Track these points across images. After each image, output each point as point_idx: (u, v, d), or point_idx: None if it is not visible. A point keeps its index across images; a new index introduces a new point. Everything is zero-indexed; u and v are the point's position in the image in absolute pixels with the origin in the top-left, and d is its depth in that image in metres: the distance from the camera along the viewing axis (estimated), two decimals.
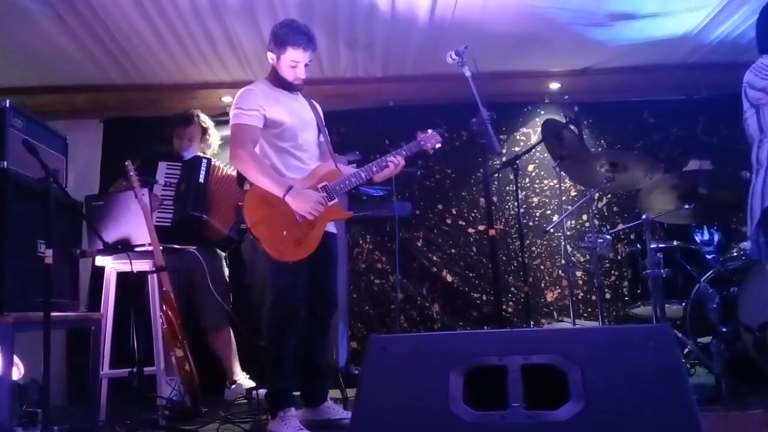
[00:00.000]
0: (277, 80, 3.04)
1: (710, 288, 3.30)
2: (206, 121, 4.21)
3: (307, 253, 2.86)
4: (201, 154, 4.12)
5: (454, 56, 2.95)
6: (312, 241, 2.88)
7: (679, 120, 5.28)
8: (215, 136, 4.25)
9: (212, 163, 4.05)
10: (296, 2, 3.78)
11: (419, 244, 5.15)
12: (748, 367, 3.06)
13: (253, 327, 3.14)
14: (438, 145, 3.27)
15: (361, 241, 5.08)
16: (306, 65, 3.02)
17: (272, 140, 2.97)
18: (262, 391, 3.05)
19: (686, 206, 3.46)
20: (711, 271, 3.44)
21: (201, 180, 3.96)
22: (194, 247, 3.74)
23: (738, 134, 5.25)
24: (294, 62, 2.99)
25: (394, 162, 3.11)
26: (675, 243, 3.69)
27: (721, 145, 5.20)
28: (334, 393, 3.39)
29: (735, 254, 3.59)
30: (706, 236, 4.08)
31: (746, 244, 3.43)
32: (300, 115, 3.07)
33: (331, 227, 3.07)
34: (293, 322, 2.89)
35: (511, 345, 1.54)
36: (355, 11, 3.91)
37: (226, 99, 4.89)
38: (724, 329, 3.12)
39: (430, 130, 3.27)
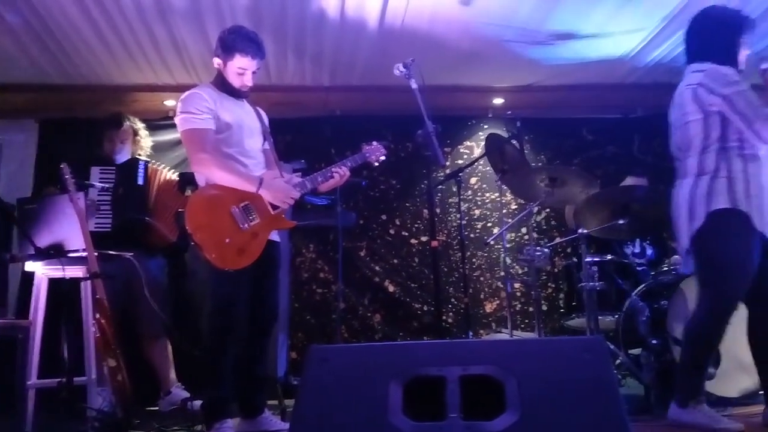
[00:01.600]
0: (223, 85, 3.01)
1: (641, 301, 3.42)
2: (136, 122, 4.12)
3: (249, 261, 2.83)
4: (137, 156, 4.02)
5: (401, 68, 2.97)
6: (255, 250, 2.85)
7: (616, 138, 5.48)
8: (146, 137, 4.16)
9: (150, 165, 3.97)
10: (245, 8, 3.75)
11: (362, 254, 5.16)
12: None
13: (193, 336, 3.08)
14: (382, 158, 3.30)
15: (304, 250, 5.05)
16: (254, 73, 3.00)
17: (217, 145, 2.92)
18: (198, 402, 2.99)
19: (620, 221, 3.58)
20: (642, 285, 3.56)
21: (140, 182, 3.87)
22: (131, 254, 3.64)
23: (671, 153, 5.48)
24: (241, 69, 2.96)
25: (339, 173, 3.12)
26: (609, 257, 3.81)
27: (655, 162, 5.42)
28: (272, 404, 3.36)
29: (666, 268, 3.73)
30: (639, 250, 4.23)
31: (677, 258, 3.53)
32: (245, 122, 3.04)
33: (274, 236, 3.04)
34: (233, 332, 2.85)
35: (451, 356, 1.56)
36: (304, 19, 3.91)
37: (169, 103, 4.80)
38: (653, 341, 3.22)
39: (375, 143, 3.29)
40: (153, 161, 4.09)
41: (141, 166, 3.90)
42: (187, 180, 3.73)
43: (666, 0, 3.79)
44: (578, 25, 4.10)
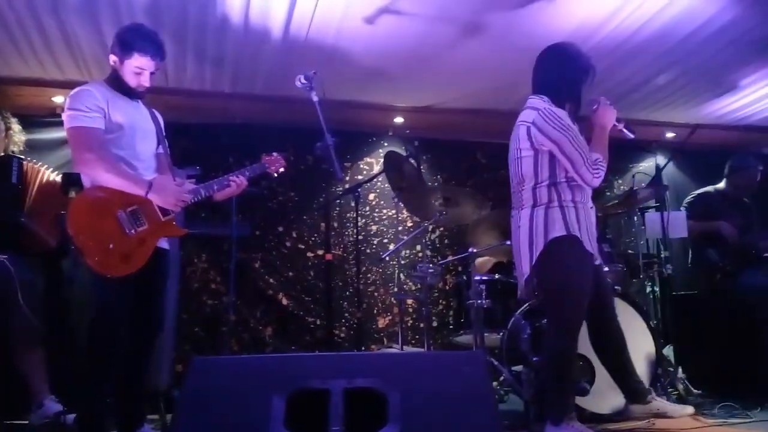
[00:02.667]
0: (117, 84, 2.88)
1: (523, 320, 3.57)
2: (9, 117, 3.86)
3: (134, 268, 2.71)
4: (11, 153, 3.76)
5: (303, 80, 2.98)
6: (140, 257, 2.74)
7: (507, 163, 5.70)
8: (19, 133, 3.90)
9: (27, 163, 3.72)
10: (143, 6, 3.63)
11: (257, 265, 5.08)
12: None
13: (69, 346, 2.91)
14: (282, 170, 3.27)
15: (195, 260, 4.91)
16: (152, 73, 2.91)
17: (105, 146, 2.79)
18: (72, 416, 2.83)
19: (508, 242, 3.72)
20: (526, 304, 3.72)
21: (13, 180, 3.61)
22: (5, 256, 3.40)
23: None
24: (139, 69, 2.86)
25: (237, 182, 3.07)
26: (497, 276, 3.95)
27: None
28: (153, 418, 3.22)
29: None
30: None
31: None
32: (139, 123, 2.93)
33: (163, 243, 2.94)
34: (114, 342, 2.71)
35: (336, 369, 1.57)
36: (206, 22, 3.83)
37: (57, 99, 4.55)
38: (534, 358, 3.36)
39: (275, 154, 3.26)
40: (31, 160, 3.84)
41: (15, 164, 3.64)
42: (71, 181, 3.53)
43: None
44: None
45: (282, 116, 5.04)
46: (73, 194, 2.70)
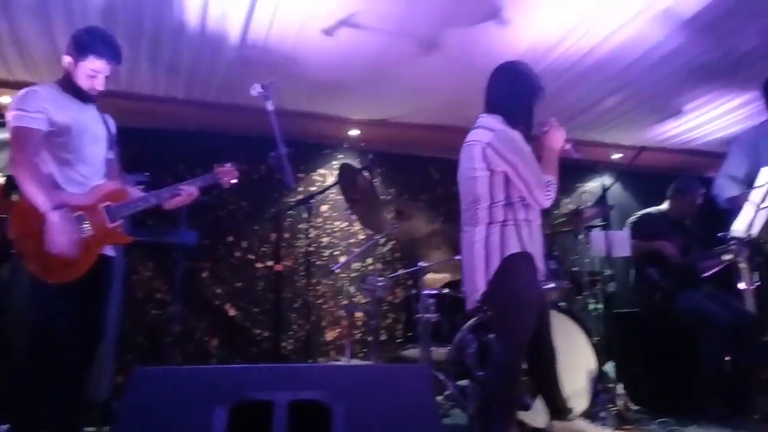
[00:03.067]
0: (69, 86, 2.81)
1: (470, 334, 3.60)
2: None
3: (76, 275, 2.64)
4: None
5: (259, 89, 2.96)
6: (84, 263, 2.67)
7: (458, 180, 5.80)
8: None
9: None
10: (98, 9, 3.56)
11: (205, 275, 5.01)
12: None
13: (5, 354, 2.81)
14: (234, 181, 3.23)
15: (141, 268, 4.81)
16: (106, 77, 2.85)
17: (55, 150, 2.72)
18: (5, 427, 2.72)
19: (457, 257, 3.76)
20: (473, 319, 3.76)
21: None
22: None
23: None
24: (94, 72, 2.80)
25: (187, 191, 3.02)
26: (445, 290, 3.99)
27: None
28: (91, 431, 3.13)
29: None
30: None
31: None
32: (88, 127, 2.86)
33: (108, 250, 2.87)
34: (52, 351, 2.62)
35: (281, 380, 1.55)
36: (162, 27, 3.78)
37: (4, 99, 4.41)
38: (479, 373, 3.40)
39: (228, 164, 3.22)
40: None
41: None
42: (14, 184, 3.42)
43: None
44: None
45: (236, 124, 5.01)
46: (15, 197, 2.61)
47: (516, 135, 2.83)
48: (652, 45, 3.97)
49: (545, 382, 3.00)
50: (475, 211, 2.90)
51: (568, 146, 3.01)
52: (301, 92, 4.59)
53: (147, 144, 4.84)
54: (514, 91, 2.93)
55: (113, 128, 3.04)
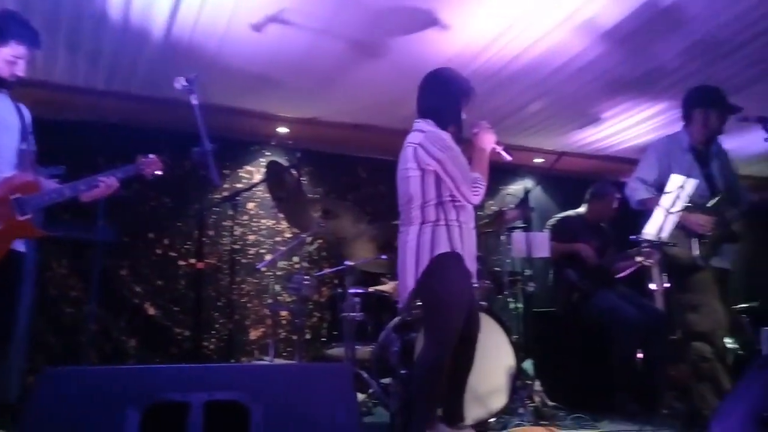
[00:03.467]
0: None
1: (394, 333, 3.63)
2: None
3: None
4: None
5: (183, 82, 2.90)
6: None
7: (387, 179, 5.83)
8: None
9: None
10: None
11: (124, 273, 4.85)
12: None
13: None
14: (158, 173, 3.13)
15: (54, 265, 4.61)
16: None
17: None
18: None
19: (383, 256, 3.80)
20: (397, 318, 3.79)
21: None
22: None
23: None
24: (14, 57, 2.68)
25: (106, 183, 2.91)
26: (371, 289, 4.01)
27: None
28: None
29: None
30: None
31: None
32: (1, 116, 2.73)
33: (19, 245, 2.73)
34: None
35: (197, 381, 1.52)
36: (82, 13, 3.63)
37: None
38: (402, 371, 3.43)
39: (152, 156, 3.12)
40: None
41: None
42: None
43: None
44: None
45: (159, 118, 4.87)
46: None
47: (445, 135, 2.90)
48: (572, 55, 4.12)
49: (454, 385, 3.04)
50: (409, 211, 2.94)
51: (499, 149, 3.09)
52: (229, 87, 4.51)
53: (64, 136, 4.64)
54: (443, 95, 3.00)
55: (28, 118, 2.90)
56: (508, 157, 3.14)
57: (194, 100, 2.89)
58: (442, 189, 2.87)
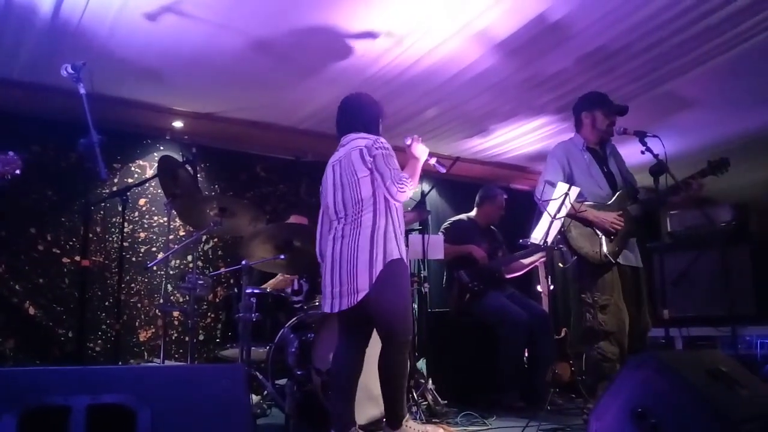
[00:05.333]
0: None
1: (291, 333, 3.62)
2: None
3: None
4: None
5: (70, 69, 2.78)
6: None
7: (286, 178, 5.81)
8: None
9: None
10: None
11: (1, 270, 4.52)
12: (315, 407, 3.41)
13: None
14: (18, 172, 2.95)
15: None
16: None
17: None
18: None
19: (281, 257, 3.76)
20: (294, 318, 3.78)
21: None
22: None
23: None
24: None
25: None
26: (268, 289, 3.96)
27: (318, 205, 5.85)
28: None
29: (317, 303, 4.02)
30: (296, 286, 4.50)
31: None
32: None
33: None
34: None
35: (80, 383, 1.45)
36: None
37: None
38: (299, 372, 3.42)
39: (11, 153, 2.93)
40: None
41: None
42: None
43: None
44: None
45: (43, 106, 4.59)
46: None
47: (383, 139, 3.07)
48: (466, 64, 4.24)
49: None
50: (359, 213, 3.01)
51: (432, 161, 3.27)
52: (120, 77, 4.31)
53: None
54: (367, 112, 3.22)
55: None
56: (442, 170, 3.32)
57: (82, 89, 2.77)
58: (376, 191, 3.00)
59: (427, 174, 6.38)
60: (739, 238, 4.37)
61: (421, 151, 3.18)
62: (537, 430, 3.05)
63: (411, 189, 2.99)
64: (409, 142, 3.20)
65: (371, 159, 2.97)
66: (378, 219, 2.98)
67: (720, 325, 4.10)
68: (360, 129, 3.14)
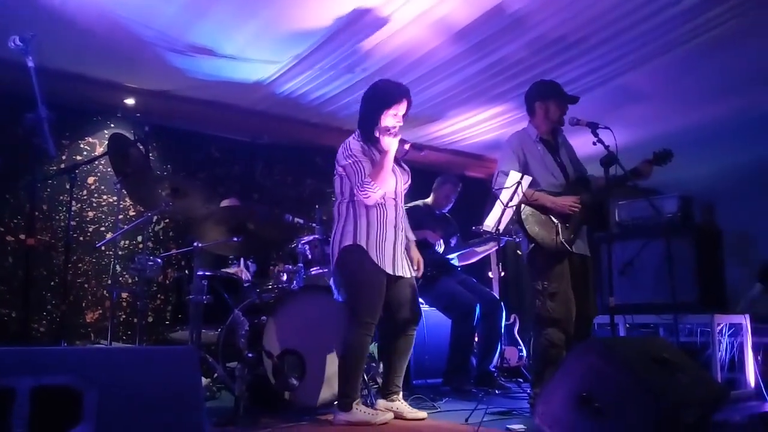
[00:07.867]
0: None
1: (243, 316, 3.59)
2: None
3: None
4: None
5: (17, 41, 2.69)
6: None
7: (241, 160, 5.73)
8: None
9: None
10: None
11: None
12: (266, 390, 3.41)
13: None
14: None
15: None
16: None
17: None
18: None
19: (235, 239, 3.72)
20: (246, 301, 3.75)
21: None
22: None
23: (288, 180, 5.94)
24: None
25: None
26: (220, 271, 3.91)
27: (274, 188, 5.81)
28: None
29: (270, 286, 4.00)
30: (251, 267, 4.45)
31: (282, 278, 3.89)
32: None
33: None
34: None
35: (23, 365, 1.41)
36: None
37: None
38: (249, 355, 3.40)
39: None
40: None
41: None
42: None
43: (298, 39, 4.13)
44: (219, 42, 4.19)
45: None
46: None
47: (356, 144, 3.30)
48: (425, 51, 4.25)
49: (390, 367, 3.47)
50: (337, 207, 3.37)
51: (406, 146, 3.37)
52: (70, 50, 4.16)
53: None
54: (365, 110, 3.40)
55: None
56: (422, 153, 3.56)
57: (30, 62, 2.68)
58: (352, 190, 3.26)
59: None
60: (684, 228, 4.51)
61: (388, 143, 3.26)
62: (485, 413, 3.11)
63: (377, 190, 3.20)
64: (377, 134, 3.30)
65: (341, 168, 3.30)
66: (342, 210, 3.33)
67: (663, 312, 4.23)
68: (359, 125, 3.41)
